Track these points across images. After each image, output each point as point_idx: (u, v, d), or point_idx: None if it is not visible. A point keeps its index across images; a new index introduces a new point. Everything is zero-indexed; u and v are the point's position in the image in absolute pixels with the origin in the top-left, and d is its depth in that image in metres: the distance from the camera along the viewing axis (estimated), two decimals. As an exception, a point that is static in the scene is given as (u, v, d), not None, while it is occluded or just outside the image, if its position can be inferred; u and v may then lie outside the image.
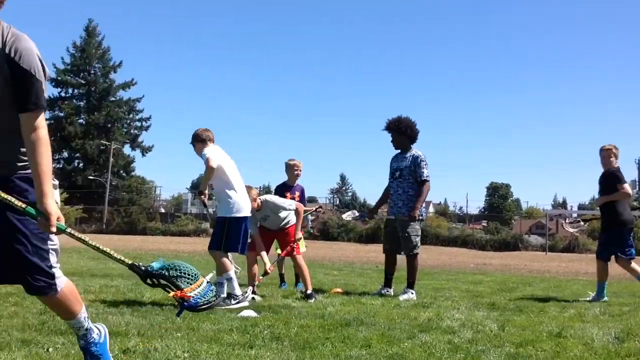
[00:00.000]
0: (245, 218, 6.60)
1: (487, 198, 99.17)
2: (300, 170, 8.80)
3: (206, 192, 6.77)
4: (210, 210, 8.10)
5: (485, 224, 60.58)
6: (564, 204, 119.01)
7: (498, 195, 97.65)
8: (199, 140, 6.79)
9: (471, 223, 61.69)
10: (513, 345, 4.58)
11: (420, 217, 7.95)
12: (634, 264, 8.17)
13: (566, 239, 42.08)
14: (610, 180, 8.50)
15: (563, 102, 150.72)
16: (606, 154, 8.54)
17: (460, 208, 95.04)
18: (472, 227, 55.44)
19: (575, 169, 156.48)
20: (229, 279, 6.43)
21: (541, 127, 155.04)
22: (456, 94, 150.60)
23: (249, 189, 7.04)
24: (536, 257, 28.02)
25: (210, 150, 6.65)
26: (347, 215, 9.19)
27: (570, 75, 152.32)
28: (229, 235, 6.49)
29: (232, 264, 6.82)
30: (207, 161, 6.47)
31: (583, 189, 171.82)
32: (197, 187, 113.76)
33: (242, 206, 6.63)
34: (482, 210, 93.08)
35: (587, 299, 8.15)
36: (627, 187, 8.44)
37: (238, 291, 6.42)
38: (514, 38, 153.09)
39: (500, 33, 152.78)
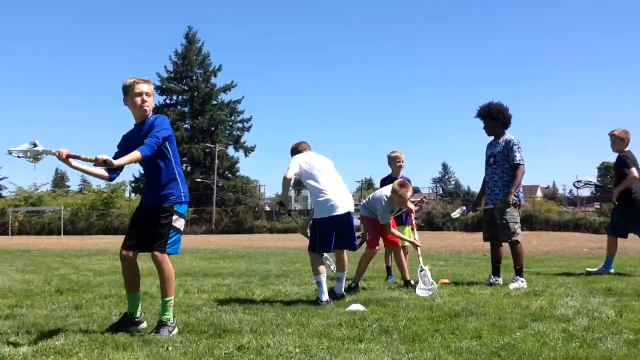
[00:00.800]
0: (336, 217, 6.48)
1: (599, 179, 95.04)
2: (402, 162, 8.76)
3: (288, 203, 6.90)
4: (298, 220, 8.23)
5: (598, 206, 58.10)
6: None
7: (611, 176, 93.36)
8: (294, 153, 6.89)
9: (583, 206, 59.33)
10: (632, 332, 4.41)
11: (517, 202, 7.75)
12: None
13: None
14: (619, 165, 9.07)
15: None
16: (611, 139, 9.14)
17: (570, 191, 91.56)
18: (584, 209, 53.33)
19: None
20: (318, 283, 6.40)
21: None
22: (563, 70, 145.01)
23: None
24: (655, 238, 26.62)
25: (295, 158, 6.68)
26: (456, 214, 8.92)
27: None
28: (319, 236, 6.51)
29: (329, 265, 6.91)
30: (286, 172, 6.55)
31: None
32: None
33: (335, 205, 6.49)
34: (594, 192, 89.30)
35: (594, 269, 9.19)
36: (634, 171, 8.83)
37: (324, 296, 6.31)
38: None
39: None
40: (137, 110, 4.90)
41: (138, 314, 4.97)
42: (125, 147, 4.85)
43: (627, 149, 9.12)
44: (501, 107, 7.94)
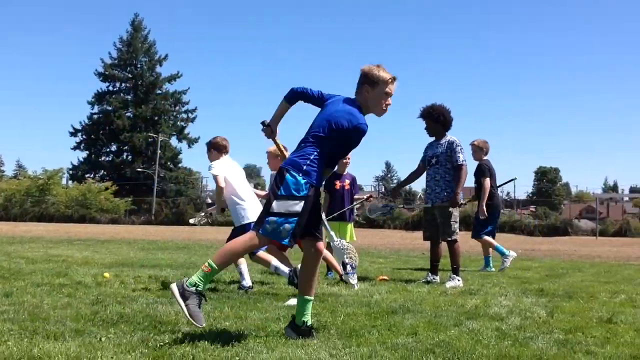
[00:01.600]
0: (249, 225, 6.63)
1: (536, 183, 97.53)
2: (349, 159, 8.83)
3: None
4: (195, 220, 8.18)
5: (533, 209, 59.69)
6: (614, 188, 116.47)
7: (547, 180, 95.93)
8: (215, 148, 7.12)
9: (519, 208, 60.79)
10: (562, 332, 4.53)
11: (461, 203, 7.93)
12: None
13: (617, 223, 41.20)
14: (477, 173, 9.90)
15: (612, 83, 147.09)
16: (472, 149, 9.90)
17: (508, 193, 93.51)
18: (520, 212, 54.65)
19: (627, 152, 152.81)
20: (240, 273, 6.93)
21: (590, 110, 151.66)
22: (503, 78, 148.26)
23: None
24: (586, 242, 27.50)
25: (219, 165, 6.99)
26: (377, 213, 8.93)
27: (615, 57, 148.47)
28: None
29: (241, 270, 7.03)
30: (216, 180, 6.90)
31: (635, 172, 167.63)
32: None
33: (250, 214, 6.82)
34: (531, 195, 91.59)
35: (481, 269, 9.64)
36: (488, 181, 9.72)
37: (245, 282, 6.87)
38: (568, 20, 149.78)
39: (552, 13, 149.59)
40: (376, 109, 4.35)
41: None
42: None
43: (485, 158, 9.97)
44: (443, 109, 8.04)
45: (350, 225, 8.78)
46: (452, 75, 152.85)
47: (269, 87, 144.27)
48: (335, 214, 8.65)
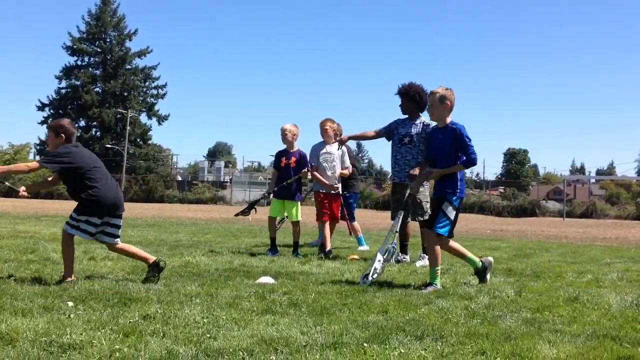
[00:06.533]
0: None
1: (505, 164, 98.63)
2: (291, 134, 8.70)
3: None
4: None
5: (502, 190, 60.39)
6: (582, 170, 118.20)
7: (515, 161, 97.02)
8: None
9: (488, 189, 61.45)
10: (530, 311, 4.60)
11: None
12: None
13: (584, 204, 41.86)
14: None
15: (582, 66, 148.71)
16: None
17: (477, 174, 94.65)
18: (489, 193, 55.25)
19: (594, 135, 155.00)
20: None
21: (559, 93, 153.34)
22: (474, 59, 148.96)
23: None
24: (553, 223, 27.93)
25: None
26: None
27: (587, 39, 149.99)
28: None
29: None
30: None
31: (601, 155, 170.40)
32: (213, 155, 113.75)
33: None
34: (499, 176, 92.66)
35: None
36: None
37: None
38: (537, 5, 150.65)
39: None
40: None
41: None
42: None
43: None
44: (420, 89, 8.02)
45: (297, 205, 8.70)
46: (423, 55, 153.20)
47: (240, 63, 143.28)
48: (274, 190, 8.66)
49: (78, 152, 5.73)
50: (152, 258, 5.75)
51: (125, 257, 7.47)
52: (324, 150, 8.72)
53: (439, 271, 5.71)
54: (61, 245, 5.68)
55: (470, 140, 5.72)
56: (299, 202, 8.71)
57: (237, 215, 9.23)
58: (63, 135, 5.77)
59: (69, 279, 5.42)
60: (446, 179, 5.75)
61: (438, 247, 5.75)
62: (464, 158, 5.68)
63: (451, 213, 5.72)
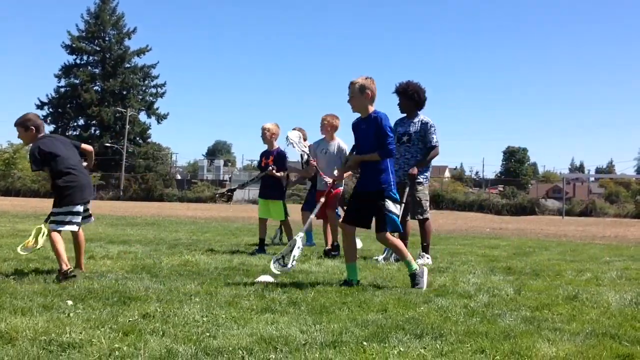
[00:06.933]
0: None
1: (504, 162, 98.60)
2: (270, 133, 8.71)
3: None
4: None
5: (501, 189, 60.39)
6: (581, 168, 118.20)
7: (515, 160, 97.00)
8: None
9: (487, 188, 61.44)
10: (529, 309, 4.60)
11: (422, 180, 7.92)
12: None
13: (583, 203, 41.88)
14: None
15: (581, 65, 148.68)
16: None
17: (477, 173, 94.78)
18: (488, 191, 55.25)
19: (594, 133, 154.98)
20: None
21: (559, 91, 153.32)
22: (474, 59, 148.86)
23: None
24: (553, 221, 27.94)
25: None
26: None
27: (587, 38, 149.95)
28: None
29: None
30: None
31: (601, 153, 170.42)
32: (212, 154, 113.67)
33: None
34: (499, 174, 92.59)
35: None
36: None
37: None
38: (537, 4, 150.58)
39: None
40: None
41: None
42: None
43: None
44: (418, 87, 8.03)
45: (280, 203, 8.71)
46: (423, 55, 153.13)
47: (239, 62, 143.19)
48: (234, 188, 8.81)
49: (49, 143, 5.83)
50: (66, 267, 5.47)
51: (124, 256, 7.48)
52: (322, 146, 8.65)
53: (411, 259, 5.62)
54: (51, 244, 5.67)
55: (390, 130, 5.56)
56: (282, 201, 8.77)
57: (216, 195, 9.13)
58: (33, 128, 5.86)
59: (65, 268, 5.43)
60: (370, 173, 5.60)
61: (394, 239, 5.71)
62: (382, 148, 5.51)
63: (396, 207, 5.64)
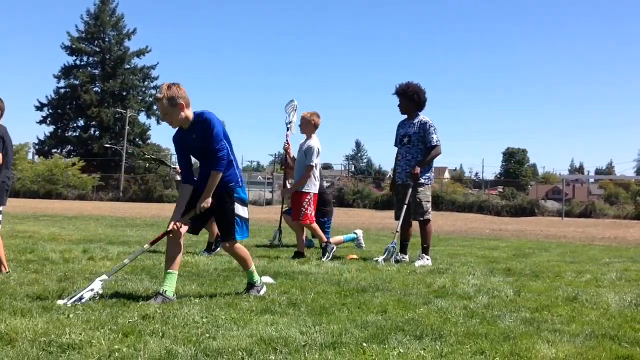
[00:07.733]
0: None
1: (503, 163, 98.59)
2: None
3: None
4: None
5: (501, 190, 60.35)
6: (580, 169, 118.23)
7: (514, 161, 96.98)
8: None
9: (487, 189, 61.39)
10: (529, 311, 4.60)
11: (424, 181, 7.92)
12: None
13: (583, 204, 41.87)
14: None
15: (581, 66, 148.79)
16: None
17: (476, 174, 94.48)
18: (488, 192, 55.20)
19: (593, 134, 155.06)
20: None
21: (558, 92, 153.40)
22: (474, 59, 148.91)
23: None
24: (552, 223, 27.92)
25: None
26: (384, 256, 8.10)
27: (587, 39, 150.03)
28: None
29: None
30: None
31: (600, 154, 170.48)
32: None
33: None
34: (498, 175, 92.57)
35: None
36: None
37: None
38: (536, 5, 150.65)
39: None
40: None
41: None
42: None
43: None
44: (418, 88, 8.05)
45: None
46: (423, 55, 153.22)
47: (239, 63, 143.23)
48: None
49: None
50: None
51: (123, 257, 7.48)
52: (302, 143, 8.37)
53: (254, 269, 5.18)
54: None
55: (220, 133, 4.85)
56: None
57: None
58: None
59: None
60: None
61: (239, 248, 5.11)
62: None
63: (245, 211, 5.44)
